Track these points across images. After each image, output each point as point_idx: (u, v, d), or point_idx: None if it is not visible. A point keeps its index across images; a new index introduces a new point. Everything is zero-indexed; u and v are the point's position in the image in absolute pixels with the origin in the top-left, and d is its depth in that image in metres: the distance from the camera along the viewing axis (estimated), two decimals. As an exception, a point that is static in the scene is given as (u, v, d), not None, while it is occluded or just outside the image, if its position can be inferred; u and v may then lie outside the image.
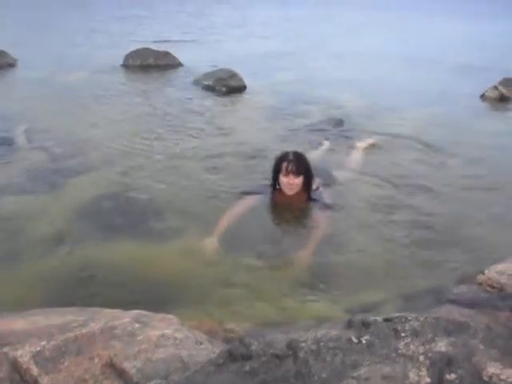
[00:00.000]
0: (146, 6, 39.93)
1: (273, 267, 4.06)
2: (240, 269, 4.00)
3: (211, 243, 4.38)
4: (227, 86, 10.69)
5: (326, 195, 5.16)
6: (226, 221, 4.72)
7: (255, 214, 4.96)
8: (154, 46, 15.04)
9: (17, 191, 5.39)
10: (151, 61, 13.74)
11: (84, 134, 7.37)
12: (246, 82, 11.09)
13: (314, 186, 5.08)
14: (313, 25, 31.03)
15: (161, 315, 2.46)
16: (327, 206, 5.01)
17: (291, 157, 4.90)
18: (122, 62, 13.83)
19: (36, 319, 2.47)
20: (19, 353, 2.12)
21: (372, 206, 5.21)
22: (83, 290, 3.57)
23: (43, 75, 12.57)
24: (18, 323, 2.43)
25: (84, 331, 2.25)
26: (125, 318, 2.36)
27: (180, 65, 13.81)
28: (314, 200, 5.05)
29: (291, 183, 4.87)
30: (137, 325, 2.31)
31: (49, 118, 8.35)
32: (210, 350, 2.24)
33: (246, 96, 10.53)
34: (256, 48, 18.06)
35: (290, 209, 5.06)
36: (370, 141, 7.07)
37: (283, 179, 4.89)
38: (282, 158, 4.95)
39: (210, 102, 9.89)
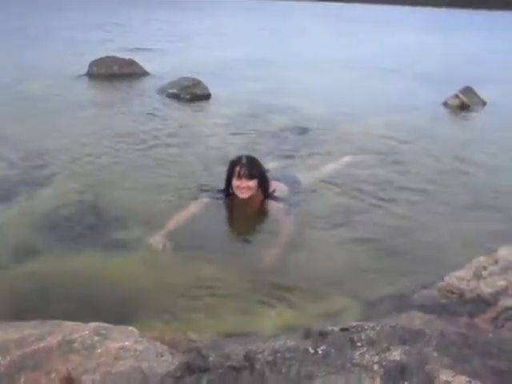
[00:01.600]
0: (118, 14, 39.85)
1: (233, 274, 4.04)
2: (200, 277, 3.98)
3: (158, 240, 4.43)
4: (192, 94, 10.74)
5: (283, 199, 5.18)
6: (175, 221, 4.75)
7: (210, 219, 4.95)
8: (121, 54, 14.93)
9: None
10: (116, 69, 13.62)
11: (44, 143, 7.26)
12: (212, 90, 11.13)
13: (270, 190, 5.10)
14: (282, 35, 31.29)
15: (121, 327, 2.43)
16: (285, 209, 5.02)
17: (244, 161, 4.91)
18: (85, 71, 13.73)
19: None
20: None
21: (333, 213, 5.24)
22: (43, 302, 3.51)
23: (5, 82, 12.44)
24: (-27, 338, 2.38)
25: (41, 345, 2.21)
26: (84, 330, 2.33)
27: (146, 73, 13.75)
28: (271, 203, 5.05)
29: (243, 186, 4.86)
30: (96, 337, 2.28)
31: (9, 126, 8.22)
32: (170, 362, 2.23)
33: (210, 104, 10.56)
34: (224, 57, 18.12)
35: (246, 212, 5.07)
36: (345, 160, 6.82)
37: (236, 183, 4.89)
38: (234, 163, 4.96)
39: (173, 110, 9.88)
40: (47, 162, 6.50)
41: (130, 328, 2.45)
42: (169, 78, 12.12)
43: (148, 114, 9.29)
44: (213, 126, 8.56)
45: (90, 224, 4.78)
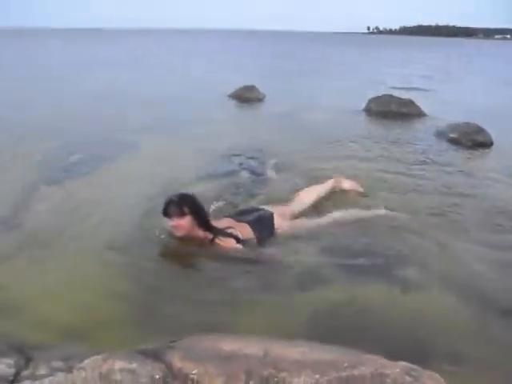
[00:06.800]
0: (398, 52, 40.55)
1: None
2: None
3: None
4: (473, 140, 10.28)
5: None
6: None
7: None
8: (398, 93, 15.22)
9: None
10: (393, 107, 13.85)
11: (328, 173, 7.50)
12: (493, 137, 10.53)
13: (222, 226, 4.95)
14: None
15: (429, 372, 2.40)
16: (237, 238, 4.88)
17: (173, 198, 4.79)
18: (363, 107, 14.19)
19: (302, 350, 2.55)
20: (295, 381, 2.22)
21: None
22: (332, 327, 3.63)
23: (288, 111, 13.51)
24: (286, 351, 2.53)
25: (355, 373, 2.28)
26: (395, 368, 2.34)
27: (423, 114, 13.68)
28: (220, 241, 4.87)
29: (176, 226, 4.77)
30: (407, 378, 2.28)
31: (294, 152, 8.81)
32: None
33: (492, 153, 9.97)
34: (498, 102, 17.30)
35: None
36: None
37: (169, 223, 4.80)
38: (164, 203, 4.83)
39: (454, 156, 9.39)
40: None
41: (437, 376, 2.41)
42: (446, 121, 11.81)
43: (426, 157, 9.08)
44: (496, 178, 7.95)
45: (371, 258, 4.84)
